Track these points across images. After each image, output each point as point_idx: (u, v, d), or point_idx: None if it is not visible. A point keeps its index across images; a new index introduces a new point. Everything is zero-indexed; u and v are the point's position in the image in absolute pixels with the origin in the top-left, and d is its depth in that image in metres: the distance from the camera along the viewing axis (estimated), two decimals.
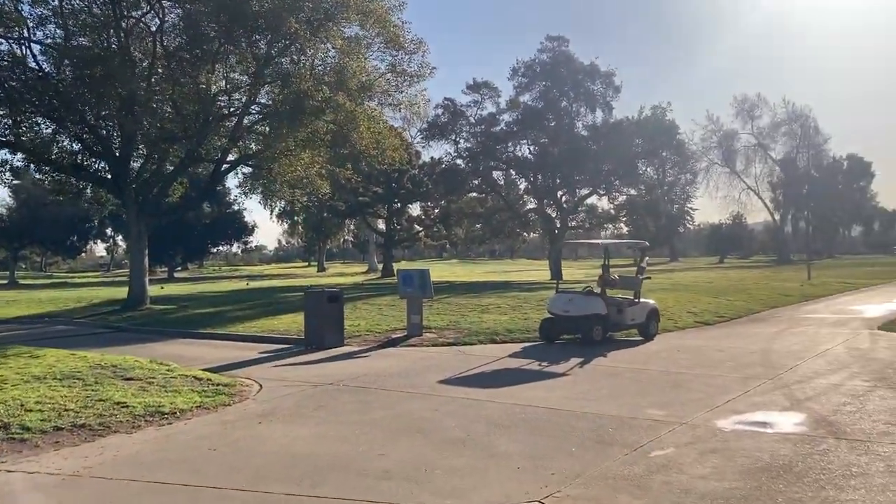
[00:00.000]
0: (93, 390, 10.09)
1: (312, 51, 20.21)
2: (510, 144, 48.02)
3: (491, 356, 13.66)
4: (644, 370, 11.97)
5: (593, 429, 8.16)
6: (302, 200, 24.32)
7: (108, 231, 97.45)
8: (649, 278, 18.15)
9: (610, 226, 51.75)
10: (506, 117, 47.23)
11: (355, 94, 20.40)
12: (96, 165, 22.29)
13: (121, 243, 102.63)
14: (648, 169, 51.10)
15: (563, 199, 48.68)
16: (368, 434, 8.11)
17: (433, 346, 15.21)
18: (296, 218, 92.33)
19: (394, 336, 16.33)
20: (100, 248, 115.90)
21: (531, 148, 47.80)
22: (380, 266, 72.03)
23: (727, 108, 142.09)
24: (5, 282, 66.17)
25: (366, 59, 22.97)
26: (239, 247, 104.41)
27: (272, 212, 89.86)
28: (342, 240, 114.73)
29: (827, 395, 9.78)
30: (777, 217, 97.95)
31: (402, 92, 23.42)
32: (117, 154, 22.19)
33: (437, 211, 66.34)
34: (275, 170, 23.54)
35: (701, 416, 8.71)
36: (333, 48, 20.05)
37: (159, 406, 9.28)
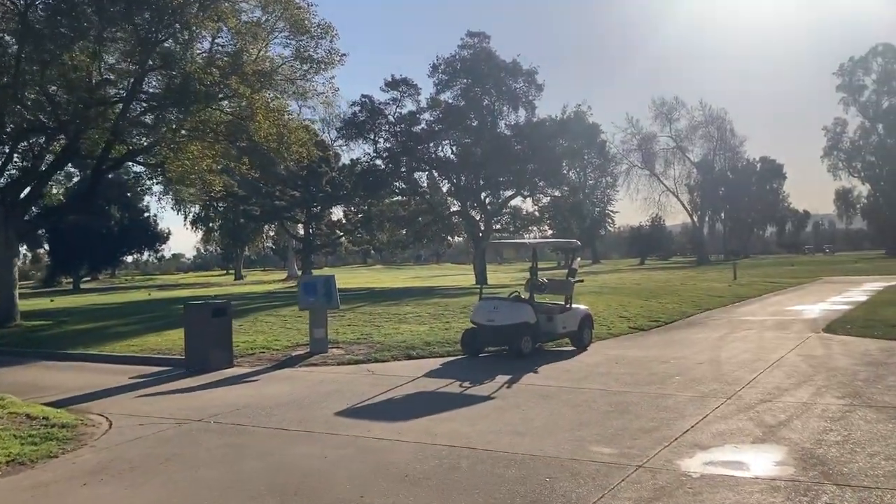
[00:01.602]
0: None
1: (201, 31, 17.79)
2: (432, 144, 46.17)
3: (405, 376, 11.67)
4: (582, 390, 10.18)
5: (526, 479, 6.27)
6: (190, 198, 21.48)
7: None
8: (581, 281, 16.52)
9: (534, 228, 50.51)
10: (427, 116, 45.37)
11: (252, 81, 18.10)
12: None
13: (25, 253, 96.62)
14: (571, 171, 50.22)
15: (487, 200, 47.12)
16: (229, 500, 6.02)
17: (339, 364, 13.11)
18: (211, 224, 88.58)
19: (294, 354, 14.15)
20: None
21: (453, 148, 46.09)
22: (300, 273, 69.26)
23: (646, 111, 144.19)
24: None
25: (266, 43, 20.68)
26: (150, 255, 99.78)
27: (186, 218, 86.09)
28: (260, 246, 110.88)
29: (801, 420, 8.15)
30: (695, 218, 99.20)
31: (308, 80, 21.23)
32: None
33: (359, 215, 64.05)
34: (166, 167, 20.97)
35: (659, 454, 6.92)
36: (227, 29, 17.70)
37: None
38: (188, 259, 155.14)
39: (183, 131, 18.33)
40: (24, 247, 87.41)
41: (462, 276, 60.59)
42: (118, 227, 74.92)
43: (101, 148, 19.98)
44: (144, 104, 18.43)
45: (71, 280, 76.54)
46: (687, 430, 7.80)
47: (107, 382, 12.03)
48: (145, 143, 19.01)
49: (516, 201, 48.82)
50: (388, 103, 44.41)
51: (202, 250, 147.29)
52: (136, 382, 12.05)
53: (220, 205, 75.28)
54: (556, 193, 46.23)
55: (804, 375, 10.78)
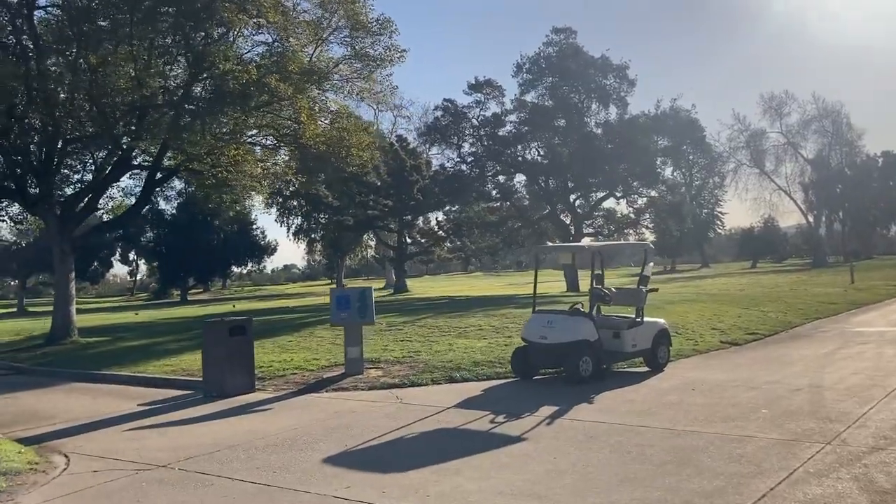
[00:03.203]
0: None
1: (239, 27, 16.63)
2: (520, 147, 44.23)
3: (435, 405, 9.95)
4: (638, 429, 8.18)
5: None
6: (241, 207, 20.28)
7: (131, 255, 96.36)
8: (656, 290, 14.31)
9: (631, 231, 47.71)
10: (512, 118, 43.51)
11: (296, 80, 16.80)
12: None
13: (142, 266, 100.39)
14: (671, 169, 47.23)
15: (577, 203, 44.80)
16: None
17: (370, 388, 11.53)
18: (312, 235, 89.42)
19: (327, 375, 12.66)
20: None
21: (540, 150, 43.96)
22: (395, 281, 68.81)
23: (753, 106, 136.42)
24: (14, 310, 63.45)
25: (322, 41, 19.43)
26: (253, 266, 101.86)
27: (289, 230, 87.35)
28: (360, 256, 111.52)
29: None
30: (811, 218, 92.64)
31: (364, 79, 19.81)
32: (34, 162, 18.90)
33: (447, 223, 62.78)
34: (224, 174, 19.97)
35: None
36: (269, 23, 16.45)
37: None
38: (299, 270, 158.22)
39: (225, 135, 17.26)
40: (143, 260, 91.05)
41: (558, 282, 58.14)
42: (224, 240, 76.67)
43: (154, 157, 19.26)
44: (193, 108, 17.44)
45: (179, 292, 78.52)
46: (762, 497, 5.75)
47: (114, 409, 10.89)
48: (198, 151, 18.09)
49: (610, 203, 46.22)
50: (472, 106, 42.88)
51: (309, 261, 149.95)
52: (144, 410, 10.84)
53: (322, 216, 76.16)
54: (653, 193, 43.36)
55: None
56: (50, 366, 16.17)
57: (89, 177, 21.05)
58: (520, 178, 46.27)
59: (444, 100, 43.64)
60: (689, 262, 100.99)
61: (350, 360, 12.67)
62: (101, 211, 22.03)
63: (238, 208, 22.87)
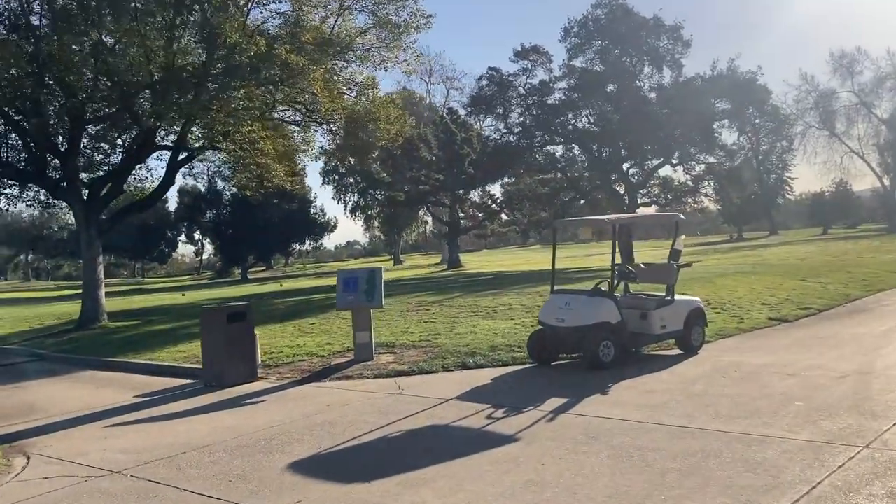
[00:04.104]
0: None
1: None
2: (571, 114, 42.62)
3: (434, 397, 9.15)
4: (648, 428, 7.20)
5: None
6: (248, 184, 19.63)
7: (196, 235, 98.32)
8: (689, 265, 13.11)
9: (690, 200, 45.81)
10: (561, 85, 41.98)
11: (311, 51, 15.96)
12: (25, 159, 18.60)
13: (208, 246, 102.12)
14: (731, 134, 45.00)
15: (631, 172, 43.14)
16: None
17: (376, 377, 10.79)
18: (369, 212, 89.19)
19: (336, 362, 11.97)
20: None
21: (591, 117, 42.33)
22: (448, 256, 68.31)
23: (822, 65, 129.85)
24: (79, 292, 64.89)
25: (345, 11, 18.56)
26: (310, 243, 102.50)
27: (346, 207, 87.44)
28: (417, 231, 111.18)
29: None
30: (887, 181, 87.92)
31: (387, 47, 18.89)
32: (61, 144, 18.65)
33: (497, 196, 61.60)
34: (240, 153, 19.37)
35: None
36: None
37: None
38: (361, 246, 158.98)
39: (242, 111, 16.54)
40: (207, 240, 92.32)
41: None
42: (283, 218, 77.09)
43: (176, 138, 18.79)
44: (209, 85, 16.78)
45: (239, 270, 79.38)
46: None
47: (109, 402, 10.43)
48: (220, 129, 17.52)
49: (666, 171, 44.34)
50: (518, 74, 41.48)
51: (371, 238, 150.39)
52: (137, 403, 10.34)
53: (379, 192, 75.91)
54: (711, 160, 41.41)
55: None
56: (70, 353, 15.92)
57: (117, 160, 20.71)
58: (571, 148, 44.77)
59: (489, 68, 42.40)
60: (757, 230, 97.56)
61: (359, 345, 11.94)
62: (131, 194, 21.45)
63: (288, 186, 22.21)
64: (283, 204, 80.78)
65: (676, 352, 11.22)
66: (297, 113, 19.62)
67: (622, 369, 10.07)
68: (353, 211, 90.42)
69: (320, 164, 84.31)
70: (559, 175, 45.61)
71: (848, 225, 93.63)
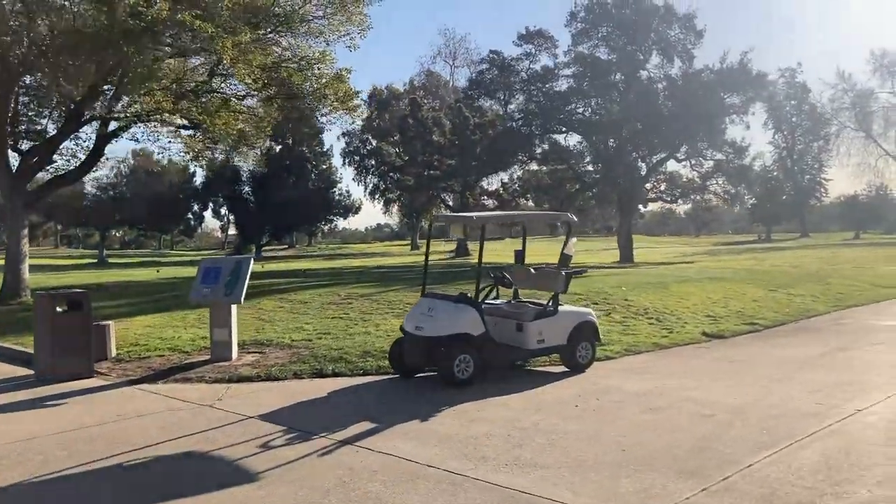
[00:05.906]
0: None
1: None
2: (575, 102, 40.95)
3: (243, 413, 7.95)
4: (419, 473, 5.92)
5: None
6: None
7: (223, 210, 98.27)
8: (584, 272, 11.72)
9: (697, 197, 44.01)
10: (566, 72, 40.34)
11: (225, 18, 14.69)
12: None
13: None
14: (742, 129, 42.83)
15: (638, 166, 41.40)
16: None
17: (214, 381, 9.61)
18: (389, 196, 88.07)
19: (192, 360, 10.84)
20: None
21: (595, 106, 40.65)
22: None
23: (862, 64, 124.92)
24: (95, 260, 64.80)
25: None
26: (336, 224, 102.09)
27: (366, 189, 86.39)
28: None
29: None
30: None
31: (327, 19, 17.57)
32: None
33: (512, 184, 60.01)
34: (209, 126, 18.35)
35: None
36: None
37: None
38: (391, 228, 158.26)
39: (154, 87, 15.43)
40: (233, 216, 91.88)
41: (613, 250, 54.60)
42: (303, 198, 76.53)
43: (108, 106, 17.78)
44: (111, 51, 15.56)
45: (254, 249, 79.02)
46: None
47: None
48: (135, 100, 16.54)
49: (675, 166, 42.54)
50: (521, 58, 39.95)
51: (396, 221, 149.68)
52: None
53: (396, 176, 74.85)
54: (718, 156, 39.53)
55: (866, 461, 5.78)
56: None
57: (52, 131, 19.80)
58: (575, 138, 43.19)
59: (490, 51, 41.05)
60: (789, 232, 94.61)
61: (216, 343, 10.77)
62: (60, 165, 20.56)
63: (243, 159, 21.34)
64: (302, 184, 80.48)
65: (562, 369, 9.90)
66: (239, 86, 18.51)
67: (483, 387, 8.80)
68: (371, 193, 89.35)
69: (342, 144, 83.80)
70: (563, 165, 44.04)
71: (883, 230, 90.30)
